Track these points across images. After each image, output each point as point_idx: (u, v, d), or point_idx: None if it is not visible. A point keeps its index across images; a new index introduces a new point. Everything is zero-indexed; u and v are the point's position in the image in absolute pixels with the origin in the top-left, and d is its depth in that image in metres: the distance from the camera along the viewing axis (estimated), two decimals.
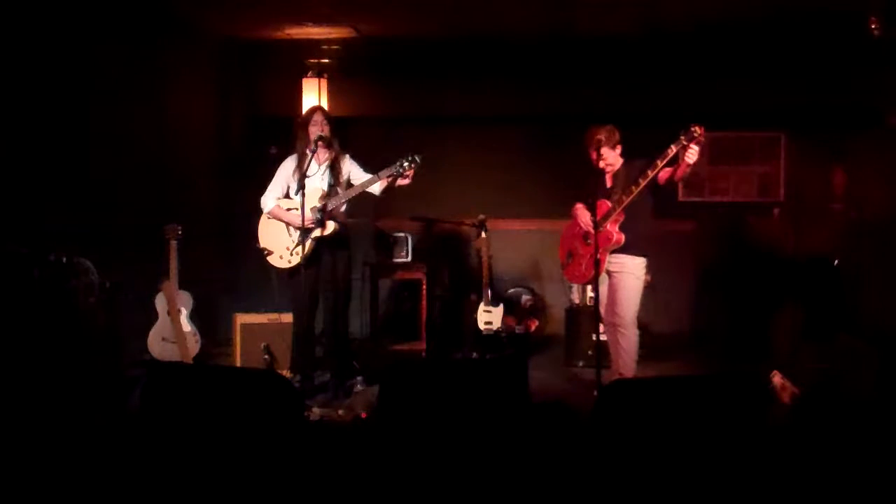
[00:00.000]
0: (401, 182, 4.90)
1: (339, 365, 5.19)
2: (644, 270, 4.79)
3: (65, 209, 4.95)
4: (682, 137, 4.31)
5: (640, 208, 4.67)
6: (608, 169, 4.79)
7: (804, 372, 4.98)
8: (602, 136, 4.67)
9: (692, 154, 4.32)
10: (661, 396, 2.86)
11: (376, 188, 4.99)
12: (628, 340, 4.76)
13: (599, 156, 4.68)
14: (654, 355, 5.91)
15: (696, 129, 4.26)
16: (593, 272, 4.59)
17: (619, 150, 4.80)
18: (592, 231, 4.58)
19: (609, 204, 4.67)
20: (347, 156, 5.14)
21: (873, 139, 6.51)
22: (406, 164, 4.80)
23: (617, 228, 4.66)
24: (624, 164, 4.79)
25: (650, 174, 4.47)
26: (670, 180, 4.58)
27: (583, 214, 4.80)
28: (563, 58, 6.92)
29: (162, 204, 5.94)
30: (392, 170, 4.83)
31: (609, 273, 4.80)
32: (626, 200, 4.58)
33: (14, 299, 4.33)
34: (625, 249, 4.70)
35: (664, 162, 4.42)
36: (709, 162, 7.29)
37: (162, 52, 6.21)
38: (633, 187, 4.54)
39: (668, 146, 4.37)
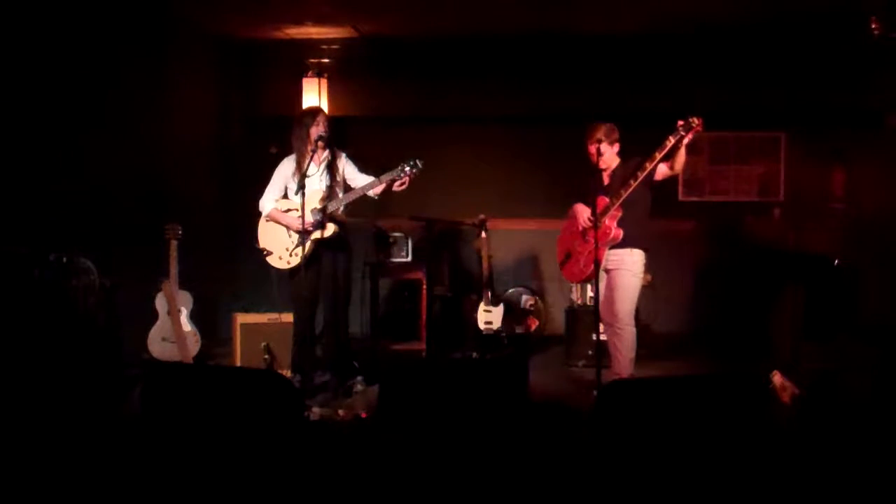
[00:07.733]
0: (397, 188, 4.90)
1: (339, 365, 5.18)
2: (642, 267, 4.79)
3: (65, 209, 4.95)
4: (680, 128, 4.35)
5: (638, 204, 4.69)
6: (604, 166, 4.81)
7: (804, 372, 4.99)
8: (601, 134, 4.71)
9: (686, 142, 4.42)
10: (661, 396, 2.86)
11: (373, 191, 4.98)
12: (623, 339, 4.75)
13: (599, 153, 4.70)
14: (655, 355, 5.90)
15: (694, 119, 4.32)
16: (591, 269, 4.60)
17: (616, 147, 4.83)
18: (591, 227, 4.60)
19: (607, 199, 4.69)
20: (343, 155, 5.13)
21: (873, 139, 6.52)
22: (408, 168, 4.80)
23: (615, 224, 4.68)
24: (621, 163, 4.82)
25: (648, 167, 4.51)
26: (668, 176, 4.65)
27: (582, 211, 4.81)
28: (563, 57, 6.92)
29: (162, 204, 5.93)
30: (394, 173, 4.83)
31: (606, 270, 4.81)
32: (625, 194, 4.60)
33: (14, 299, 4.33)
34: (623, 244, 4.71)
35: (662, 154, 4.46)
36: (709, 162, 7.30)
37: (162, 52, 6.21)
38: (632, 181, 4.57)
39: (666, 138, 4.41)
